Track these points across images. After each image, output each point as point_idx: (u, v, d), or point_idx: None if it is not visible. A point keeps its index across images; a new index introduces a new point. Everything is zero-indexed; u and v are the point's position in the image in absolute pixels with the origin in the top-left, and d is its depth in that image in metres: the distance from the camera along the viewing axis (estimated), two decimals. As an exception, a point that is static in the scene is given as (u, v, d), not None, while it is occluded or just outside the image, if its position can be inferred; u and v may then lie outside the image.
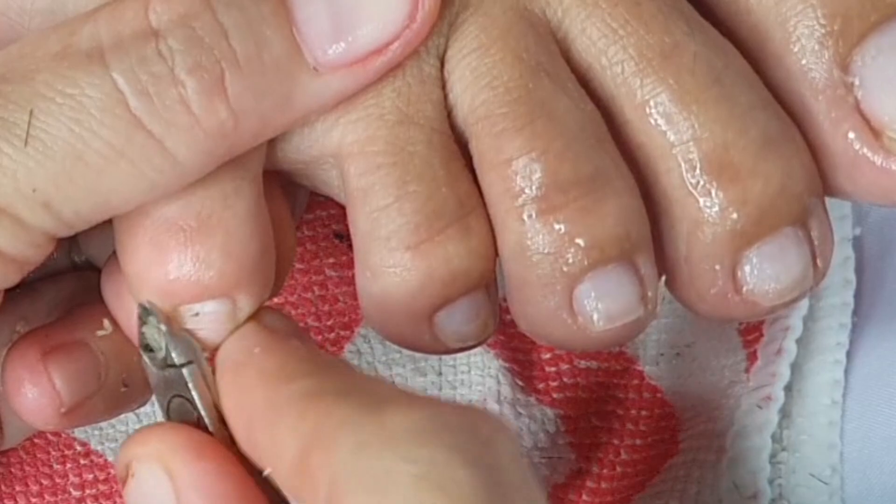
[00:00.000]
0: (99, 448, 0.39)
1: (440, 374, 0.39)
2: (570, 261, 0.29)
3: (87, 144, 0.27)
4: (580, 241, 0.29)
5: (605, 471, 0.39)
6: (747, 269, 0.29)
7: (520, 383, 0.39)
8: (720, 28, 0.30)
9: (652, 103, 0.29)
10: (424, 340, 0.30)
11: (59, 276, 0.35)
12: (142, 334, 0.29)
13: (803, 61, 0.29)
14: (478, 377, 0.39)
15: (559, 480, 0.39)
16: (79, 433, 0.39)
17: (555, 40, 0.29)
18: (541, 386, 0.39)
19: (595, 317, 0.29)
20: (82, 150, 0.27)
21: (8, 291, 0.33)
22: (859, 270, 0.40)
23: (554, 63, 0.29)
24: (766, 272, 0.29)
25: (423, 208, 0.29)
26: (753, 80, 0.30)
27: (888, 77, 0.29)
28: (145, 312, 0.29)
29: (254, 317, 0.29)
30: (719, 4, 0.30)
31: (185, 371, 0.29)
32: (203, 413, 0.29)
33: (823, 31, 0.29)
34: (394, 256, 0.29)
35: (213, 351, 0.29)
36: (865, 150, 0.29)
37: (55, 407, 0.32)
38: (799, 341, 0.39)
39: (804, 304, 0.39)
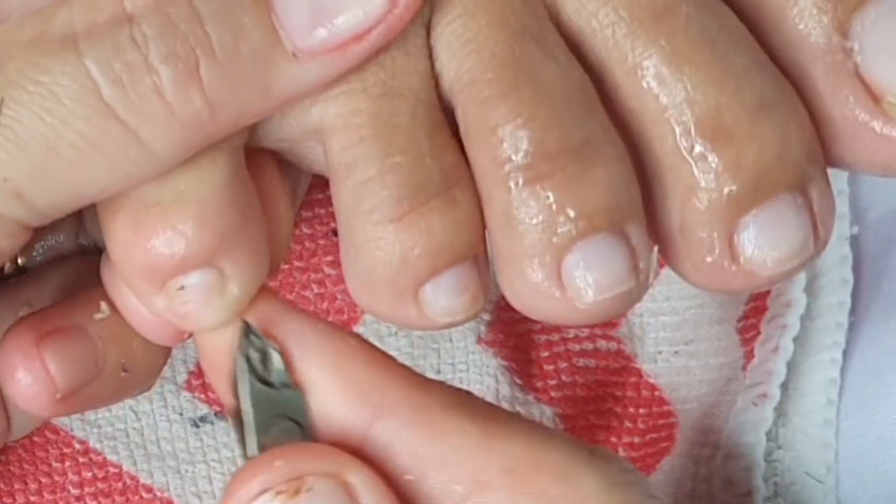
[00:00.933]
0: (98, 446, 0.39)
1: (439, 371, 0.39)
2: (558, 231, 0.28)
3: (59, 135, 0.27)
4: (568, 211, 0.28)
5: (603, 469, 0.39)
6: (744, 236, 0.29)
7: (518, 382, 0.39)
8: None
9: (643, 66, 0.28)
10: (411, 316, 0.29)
11: (64, 261, 0.34)
12: (243, 351, 0.29)
13: (801, 26, 0.29)
14: (476, 375, 0.39)
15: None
16: (77, 431, 0.39)
17: (543, 4, 0.29)
18: (539, 384, 0.39)
19: (584, 288, 0.28)
20: (54, 141, 0.27)
21: (11, 276, 0.33)
22: (856, 269, 0.40)
23: (542, 27, 0.29)
24: (763, 240, 0.29)
25: (406, 180, 0.28)
26: (749, 42, 0.29)
27: (888, 42, 0.29)
28: (248, 330, 0.29)
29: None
30: None
31: (300, 393, 0.28)
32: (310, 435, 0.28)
33: None
34: (377, 230, 0.29)
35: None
36: (865, 116, 0.29)
37: (50, 393, 0.31)
38: (796, 339, 0.39)
39: (801, 303, 0.39)
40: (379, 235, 0.29)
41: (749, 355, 0.40)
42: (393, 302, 0.29)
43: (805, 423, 0.40)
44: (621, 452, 0.39)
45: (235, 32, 0.27)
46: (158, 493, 0.39)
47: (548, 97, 0.28)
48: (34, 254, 0.34)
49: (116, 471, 0.39)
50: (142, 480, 0.39)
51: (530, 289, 0.29)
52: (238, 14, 0.27)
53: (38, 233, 0.29)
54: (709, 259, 0.29)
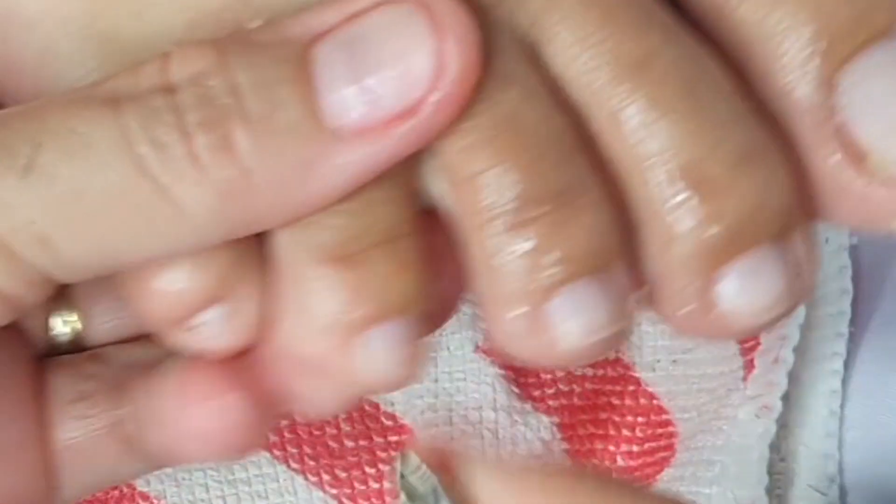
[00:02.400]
0: None
1: (436, 380, 0.39)
2: (543, 276, 0.28)
3: (90, 183, 0.27)
4: (552, 257, 0.28)
5: (601, 477, 0.39)
6: (723, 287, 0.28)
7: (516, 390, 0.39)
8: (703, 43, 0.30)
9: (623, 115, 0.28)
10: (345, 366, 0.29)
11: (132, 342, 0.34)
12: (405, 481, 0.27)
13: (787, 80, 0.28)
14: (473, 384, 0.39)
15: (555, 487, 0.39)
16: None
17: (525, 46, 0.29)
18: (537, 393, 0.39)
19: (569, 333, 0.28)
20: (85, 189, 0.27)
21: (67, 344, 0.33)
22: (856, 280, 0.40)
23: (524, 70, 0.28)
24: (742, 291, 0.28)
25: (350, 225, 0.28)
26: (731, 91, 0.29)
27: (874, 100, 0.28)
28: (408, 460, 0.27)
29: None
30: (703, 19, 0.30)
31: None
32: None
33: (809, 49, 0.28)
34: (317, 269, 0.28)
35: None
36: (848, 173, 0.28)
37: None
38: (796, 350, 0.39)
39: (801, 313, 0.39)
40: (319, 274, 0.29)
41: (749, 366, 0.39)
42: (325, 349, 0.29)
43: (807, 434, 0.39)
44: (619, 462, 0.39)
45: (273, 104, 0.27)
46: (155, 502, 0.39)
47: (530, 143, 0.28)
48: (98, 322, 0.34)
49: (113, 478, 0.39)
50: (139, 489, 0.39)
51: (514, 333, 0.29)
52: (277, 88, 0.27)
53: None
54: (686, 308, 0.29)
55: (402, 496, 0.27)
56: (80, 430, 0.32)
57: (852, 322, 0.39)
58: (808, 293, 0.29)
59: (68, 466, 0.32)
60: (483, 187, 0.28)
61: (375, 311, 0.28)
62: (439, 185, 0.29)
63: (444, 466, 0.27)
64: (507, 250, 0.28)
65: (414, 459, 0.27)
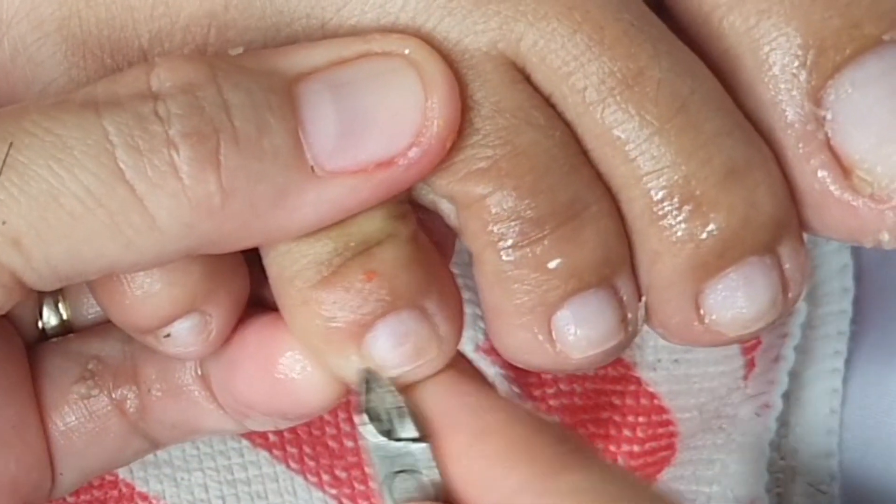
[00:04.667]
0: None
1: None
2: (549, 289, 0.29)
3: (64, 185, 0.26)
4: (559, 270, 0.28)
5: (602, 477, 0.39)
6: (711, 299, 0.29)
7: (517, 390, 0.39)
8: (692, 51, 0.29)
9: (613, 134, 0.28)
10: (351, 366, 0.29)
11: None
12: (367, 401, 0.29)
13: (774, 92, 0.29)
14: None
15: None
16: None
17: (514, 69, 0.29)
18: (538, 392, 0.39)
19: (575, 343, 0.29)
20: (59, 191, 0.26)
21: (58, 330, 0.33)
22: (858, 278, 0.39)
23: (514, 95, 0.29)
24: (729, 302, 0.29)
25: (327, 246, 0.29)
26: (722, 103, 0.29)
27: (861, 113, 0.28)
28: (370, 378, 0.29)
29: (454, 366, 0.29)
30: (691, 27, 0.30)
31: (425, 446, 0.28)
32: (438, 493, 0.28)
33: (797, 61, 0.28)
34: (303, 293, 0.29)
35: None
36: (834, 188, 0.29)
37: None
38: (797, 348, 0.39)
39: (802, 312, 0.39)
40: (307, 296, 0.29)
41: (750, 364, 0.39)
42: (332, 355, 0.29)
43: (807, 432, 0.39)
44: (620, 461, 0.39)
45: (260, 129, 0.27)
46: (154, 502, 0.39)
47: (530, 164, 0.28)
48: (85, 311, 0.34)
49: (112, 479, 0.39)
50: (137, 488, 0.39)
51: (521, 344, 0.29)
52: (265, 114, 0.27)
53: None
54: (675, 319, 0.30)
55: (362, 418, 0.28)
56: (83, 411, 0.32)
57: (853, 321, 0.39)
58: (796, 300, 0.30)
59: (69, 450, 0.32)
60: (488, 210, 0.28)
61: (359, 324, 0.28)
62: (444, 206, 0.29)
63: (407, 388, 0.29)
64: (515, 266, 0.29)
65: (378, 380, 0.28)
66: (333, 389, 0.30)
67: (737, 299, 0.29)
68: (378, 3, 0.29)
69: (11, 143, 0.27)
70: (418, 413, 0.29)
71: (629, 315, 0.29)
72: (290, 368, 0.30)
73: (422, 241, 0.29)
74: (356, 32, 0.29)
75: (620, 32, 0.28)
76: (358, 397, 0.29)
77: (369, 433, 0.28)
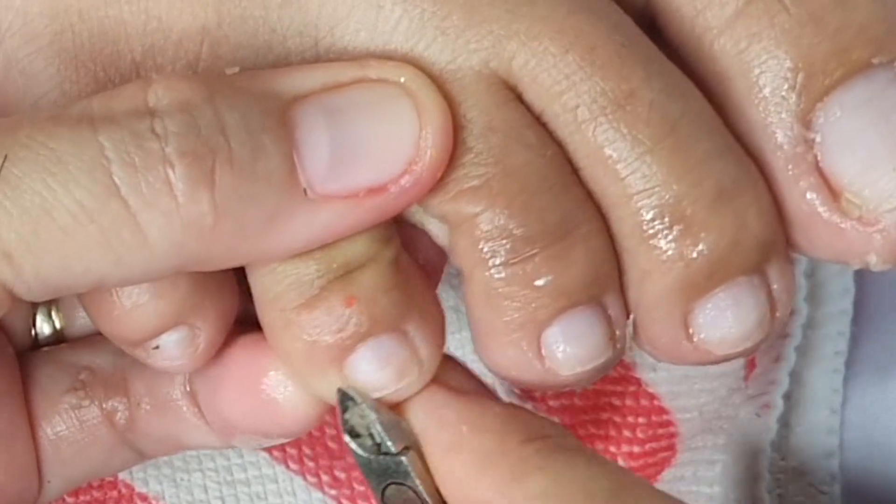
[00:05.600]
0: None
1: (436, 380, 0.39)
2: (539, 307, 0.29)
3: (58, 199, 0.26)
4: (549, 288, 0.29)
5: (602, 478, 0.39)
6: (699, 319, 0.29)
7: (516, 391, 0.39)
8: (684, 72, 0.30)
9: (604, 153, 0.28)
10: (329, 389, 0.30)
11: None
12: (345, 420, 0.29)
13: (764, 114, 0.29)
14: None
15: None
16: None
17: (505, 89, 0.29)
18: (538, 393, 0.39)
19: (564, 360, 0.29)
20: (52, 205, 0.26)
21: (51, 339, 0.33)
22: (858, 279, 0.39)
23: (505, 115, 0.29)
24: (718, 322, 0.29)
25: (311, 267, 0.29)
26: (712, 125, 0.29)
27: (850, 136, 0.28)
28: (346, 397, 0.29)
29: (438, 378, 0.30)
30: (682, 49, 0.30)
31: (404, 459, 0.29)
32: (429, 501, 0.29)
33: (786, 84, 0.28)
34: (285, 315, 0.29)
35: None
36: (822, 210, 0.29)
37: None
38: (798, 349, 0.39)
39: (803, 312, 0.39)
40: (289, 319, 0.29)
41: (751, 365, 0.39)
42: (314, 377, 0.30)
43: (808, 433, 0.39)
44: (621, 462, 0.39)
45: (255, 151, 0.27)
46: (154, 502, 0.39)
47: (522, 183, 0.28)
48: (78, 321, 0.34)
49: (112, 479, 0.39)
50: (137, 489, 0.39)
51: (510, 360, 0.30)
52: (260, 136, 0.27)
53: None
54: (664, 338, 0.30)
55: (346, 436, 0.29)
56: (73, 420, 0.32)
57: (854, 321, 0.39)
58: (784, 320, 0.30)
59: (57, 459, 0.32)
60: (479, 229, 0.29)
61: (340, 348, 0.29)
62: (433, 226, 0.29)
63: (387, 404, 0.29)
64: (505, 284, 0.29)
65: (355, 398, 0.29)
66: (315, 410, 0.30)
67: (725, 319, 0.29)
68: (370, 22, 0.29)
69: (6, 156, 0.26)
70: (400, 425, 0.29)
71: (617, 333, 0.30)
72: (273, 388, 0.30)
73: (404, 263, 0.30)
74: (349, 51, 0.29)
75: (612, 53, 0.28)
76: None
77: (355, 449, 0.29)
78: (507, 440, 0.28)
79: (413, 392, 0.29)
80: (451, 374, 0.30)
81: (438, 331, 0.30)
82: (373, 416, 0.29)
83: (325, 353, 0.29)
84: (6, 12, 0.30)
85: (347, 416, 0.29)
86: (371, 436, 0.29)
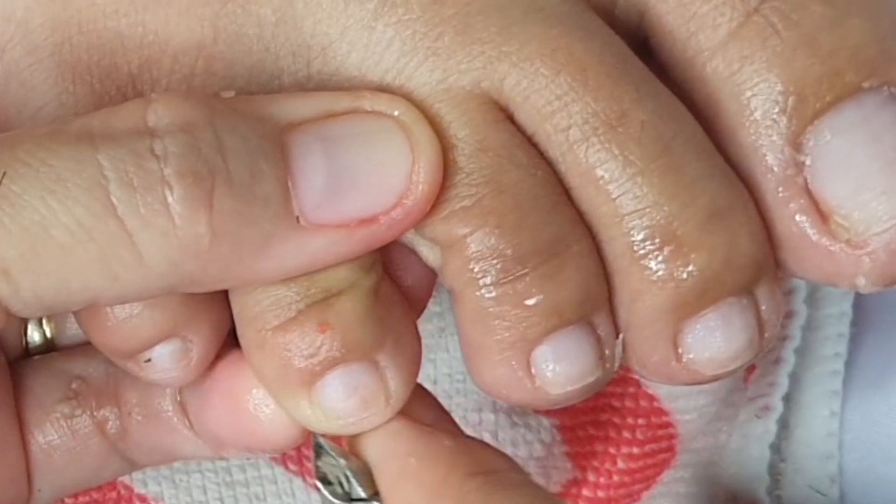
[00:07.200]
0: None
1: (435, 382, 0.39)
2: (530, 326, 0.29)
3: (57, 218, 0.26)
4: (540, 308, 0.29)
5: (601, 479, 0.39)
6: (689, 339, 0.29)
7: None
8: (675, 94, 0.30)
9: (596, 174, 0.29)
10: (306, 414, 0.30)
11: None
12: (317, 467, 0.29)
13: (755, 136, 0.29)
14: (473, 386, 0.38)
15: (555, 490, 0.39)
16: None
17: (496, 109, 0.29)
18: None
19: (554, 379, 0.29)
20: (51, 223, 0.26)
21: (42, 348, 0.33)
22: (858, 280, 0.39)
23: (496, 135, 0.29)
24: (707, 342, 0.29)
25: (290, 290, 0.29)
26: (704, 146, 0.29)
27: (840, 160, 0.28)
28: (319, 447, 0.29)
29: (404, 409, 0.30)
30: (674, 71, 0.30)
31: None
32: None
33: (777, 107, 0.28)
34: (261, 335, 0.29)
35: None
36: (811, 232, 0.29)
37: None
38: (797, 351, 0.39)
39: (802, 314, 0.39)
40: (264, 339, 0.29)
41: (750, 367, 0.39)
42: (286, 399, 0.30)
43: (808, 435, 0.39)
44: (620, 464, 0.39)
45: (253, 175, 0.27)
46: (153, 503, 0.39)
47: (513, 202, 0.28)
48: (69, 330, 0.34)
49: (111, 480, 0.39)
50: (136, 490, 0.39)
51: (500, 379, 0.30)
52: (258, 160, 0.27)
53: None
54: (654, 358, 0.30)
55: (318, 483, 0.29)
56: (65, 429, 0.32)
57: (853, 323, 0.39)
58: (771, 341, 0.30)
59: (48, 467, 0.32)
60: (470, 248, 0.29)
61: (310, 373, 0.29)
62: (424, 247, 0.30)
63: (353, 450, 0.29)
64: (496, 303, 0.29)
65: (324, 446, 0.29)
66: (297, 429, 0.30)
67: (715, 339, 0.29)
68: (363, 42, 0.29)
69: (5, 173, 0.26)
70: (367, 471, 0.29)
71: (607, 352, 0.30)
72: (256, 406, 0.30)
73: (385, 291, 0.30)
74: (340, 72, 0.29)
75: (604, 74, 0.28)
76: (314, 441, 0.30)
77: (327, 496, 0.29)
78: (453, 473, 0.28)
79: (380, 423, 0.29)
80: (413, 403, 0.30)
81: (412, 360, 0.30)
82: (343, 462, 0.29)
83: (296, 376, 0.29)
84: (7, 24, 0.30)
85: (320, 462, 0.29)
86: (341, 484, 0.29)
